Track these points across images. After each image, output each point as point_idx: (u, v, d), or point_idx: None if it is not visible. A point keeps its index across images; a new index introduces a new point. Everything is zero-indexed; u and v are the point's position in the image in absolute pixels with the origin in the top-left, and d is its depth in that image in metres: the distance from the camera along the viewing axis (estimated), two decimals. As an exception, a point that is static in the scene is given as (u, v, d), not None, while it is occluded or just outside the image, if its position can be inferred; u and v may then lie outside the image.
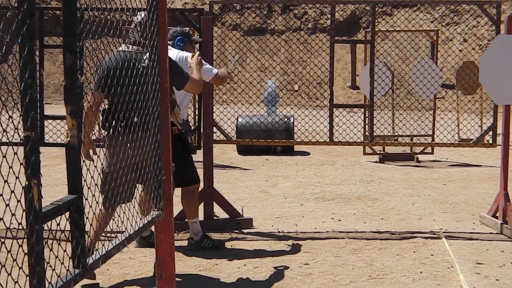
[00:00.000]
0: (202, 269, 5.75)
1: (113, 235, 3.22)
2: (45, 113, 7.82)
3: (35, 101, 2.22)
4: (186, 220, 6.48)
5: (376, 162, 12.66)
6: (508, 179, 7.15)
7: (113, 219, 3.20)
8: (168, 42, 6.27)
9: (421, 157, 12.88)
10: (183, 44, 6.46)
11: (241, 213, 7.31)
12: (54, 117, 8.05)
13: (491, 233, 7.09)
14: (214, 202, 7.20)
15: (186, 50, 6.40)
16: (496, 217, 7.22)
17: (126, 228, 3.30)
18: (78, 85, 2.61)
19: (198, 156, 7.60)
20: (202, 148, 7.44)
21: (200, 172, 7.47)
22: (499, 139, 7.27)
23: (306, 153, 13.48)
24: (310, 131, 7.99)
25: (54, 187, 9.29)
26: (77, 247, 2.55)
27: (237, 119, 13.00)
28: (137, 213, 3.75)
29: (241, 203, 8.42)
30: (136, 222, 3.42)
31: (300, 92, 22.90)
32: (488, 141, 7.84)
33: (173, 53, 6.16)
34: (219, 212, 7.30)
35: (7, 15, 2.42)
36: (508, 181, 7.22)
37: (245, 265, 5.84)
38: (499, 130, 7.26)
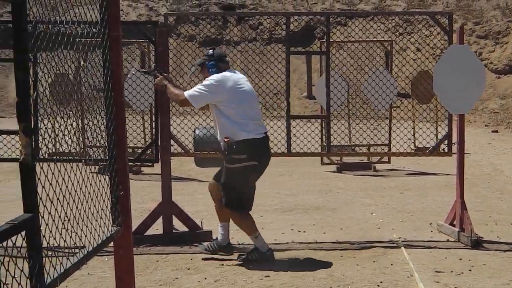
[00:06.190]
0: (163, 284, 5.69)
1: (71, 252, 3.15)
2: (-1, 128, 7.68)
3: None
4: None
5: (333, 172, 12.72)
6: (464, 187, 7.23)
7: (70, 235, 3.14)
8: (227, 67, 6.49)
9: (378, 166, 12.98)
10: None
11: (200, 226, 7.27)
12: (8, 132, 7.91)
13: (448, 240, 7.16)
14: (173, 215, 7.15)
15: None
16: (453, 225, 7.29)
17: (85, 245, 3.24)
18: (31, 102, 2.54)
19: (156, 169, 7.54)
20: (160, 161, 7.37)
21: (159, 185, 7.42)
22: (455, 148, 7.35)
23: (264, 164, 13.45)
24: (268, 142, 7.98)
25: (9, 203, 9.13)
26: (34, 267, 2.49)
27: (194, 131, 12.91)
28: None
29: (200, 215, 8.37)
30: (94, 238, 3.37)
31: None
32: (443, 149, 7.91)
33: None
34: (179, 225, 7.24)
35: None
36: (464, 189, 7.31)
37: (205, 278, 5.80)
38: (454, 138, 7.34)
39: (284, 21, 7.67)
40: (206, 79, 6.35)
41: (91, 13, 3.64)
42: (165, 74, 6.59)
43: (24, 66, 2.51)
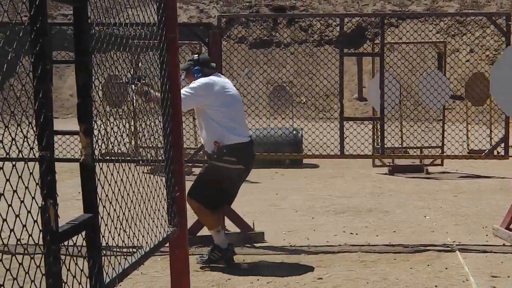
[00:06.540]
0: (215, 284, 5.71)
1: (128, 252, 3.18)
2: (53, 128, 7.78)
3: (49, 120, 2.20)
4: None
5: (385, 174, 12.62)
6: (520, 190, 7.11)
7: (128, 235, 3.17)
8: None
9: (430, 169, 12.83)
10: None
11: (252, 227, 7.28)
12: (63, 133, 8.01)
13: (504, 245, 7.04)
14: (224, 216, 7.17)
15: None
16: (510, 229, 7.17)
17: (142, 245, 3.27)
18: (92, 103, 2.56)
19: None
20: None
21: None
22: (511, 151, 7.23)
23: (315, 166, 13.42)
24: (320, 144, 7.96)
25: (65, 202, 9.23)
26: (93, 266, 2.52)
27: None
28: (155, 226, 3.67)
29: (251, 216, 8.37)
30: (151, 239, 3.39)
31: (308, 104, 22.92)
32: (499, 152, 7.78)
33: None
34: (230, 226, 7.26)
35: (20, 34, 2.36)
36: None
37: (258, 279, 5.80)
38: (511, 141, 7.22)
39: (337, 23, 7.64)
40: (193, 82, 6.27)
41: (147, 15, 3.67)
42: (143, 81, 6.43)
43: (85, 68, 2.53)
